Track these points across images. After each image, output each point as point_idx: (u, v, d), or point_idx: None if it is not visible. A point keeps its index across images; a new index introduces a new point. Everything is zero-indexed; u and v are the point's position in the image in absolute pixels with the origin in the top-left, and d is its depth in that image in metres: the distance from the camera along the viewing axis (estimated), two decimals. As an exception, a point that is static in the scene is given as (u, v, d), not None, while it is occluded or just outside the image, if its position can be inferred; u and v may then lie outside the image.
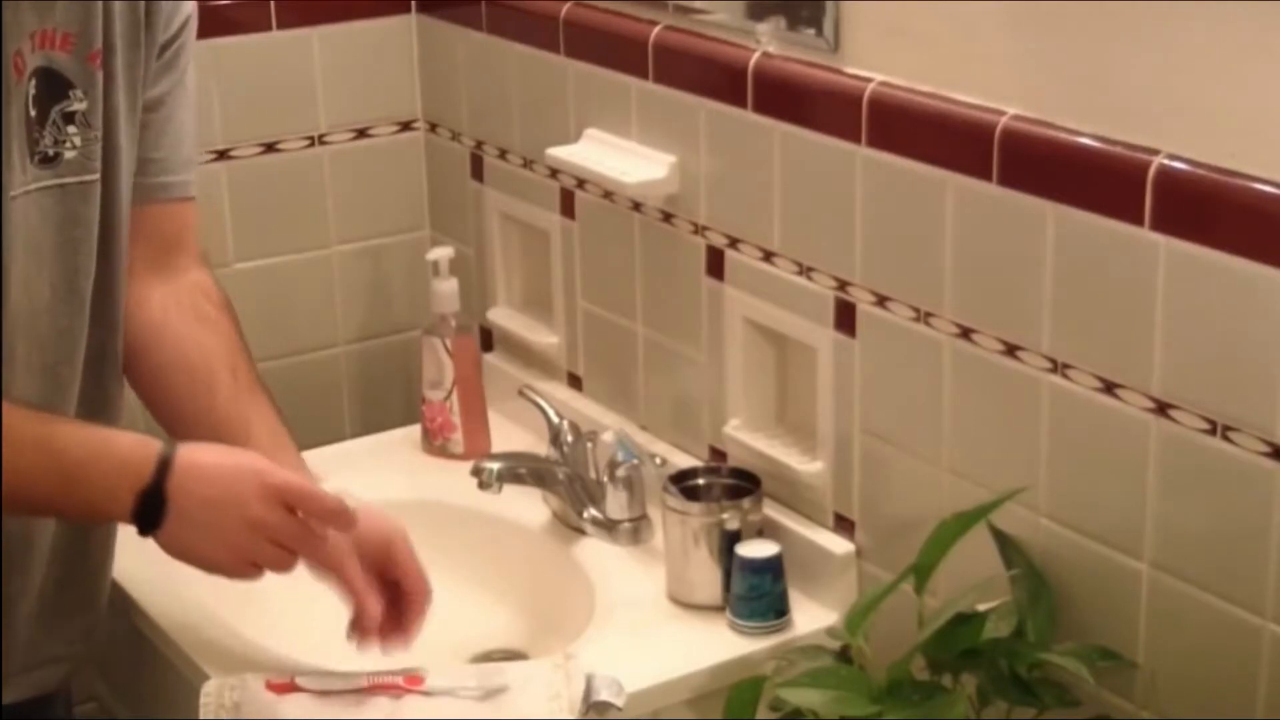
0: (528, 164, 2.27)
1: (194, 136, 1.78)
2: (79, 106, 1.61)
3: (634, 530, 2.05)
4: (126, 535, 1.85)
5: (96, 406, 1.72)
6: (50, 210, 1.62)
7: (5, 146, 1.57)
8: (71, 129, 1.61)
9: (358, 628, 1.68)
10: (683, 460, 2.06)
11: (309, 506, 1.61)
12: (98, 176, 1.64)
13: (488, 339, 2.42)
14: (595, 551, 2.04)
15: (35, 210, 1.61)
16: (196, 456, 1.59)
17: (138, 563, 1.93)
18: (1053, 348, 1.62)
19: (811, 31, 1.82)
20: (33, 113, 1.59)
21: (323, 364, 2.49)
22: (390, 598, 1.70)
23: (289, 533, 1.60)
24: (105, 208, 1.66)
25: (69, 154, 1.62)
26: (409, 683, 1.69)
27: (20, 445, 1.54)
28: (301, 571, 1.66)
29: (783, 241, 1.90)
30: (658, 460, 2.05)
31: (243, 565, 1.62)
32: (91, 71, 1.61)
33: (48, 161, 1.61)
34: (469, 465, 2.07)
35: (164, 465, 1.57)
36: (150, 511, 1.57)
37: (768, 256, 1.91)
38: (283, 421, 1.77)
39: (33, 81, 1.58)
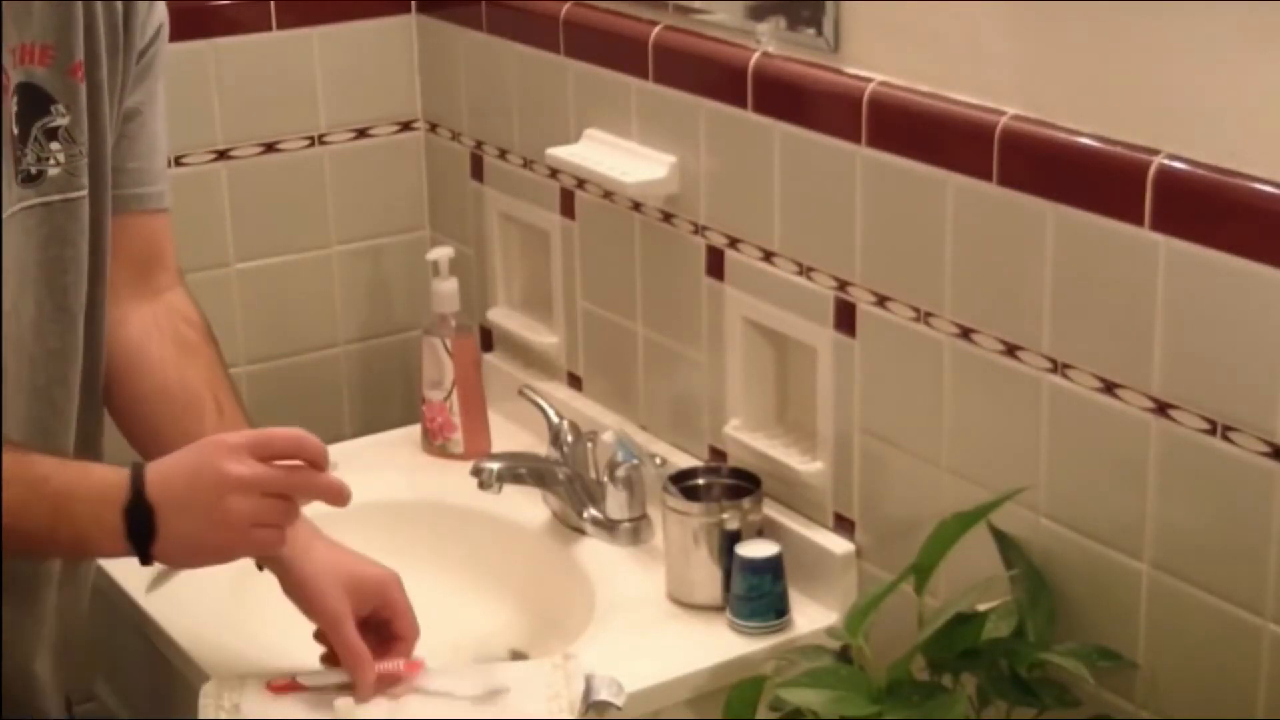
0: (528, 164, 2.27)
1: (166, 147, 1.73)
2: (61, 122, 1.56)
3: (634, 530, 2.05)
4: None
5: (92, 429, 1.69)
6: (34, 229, 1.57)
7: (5, 170, 1.54)
8: (55, 145, 1.56)
9: (358, 690, 1.66)
10: (683, 460, 2.06)
11: (276, 447, 1.56)
12: (84, 193, 1.59)
13: (488, 339, 2.42)
14: (595, 551, 2.04)
15: (19, 230, 1.56)
16: (161, 462, 1.56)
17: (137, 563, 1.93)
18: (1053, 348, 1.62)
19: (811, 31, 1.82)
20: (15, 131, 1.54)
21: (323, 364, 2.49)
22: (377, 638, 1.69)
23: (272, 478, 1.54)
24: (94, 223, 1.62)
25: (52, 171, 1.57)
26: (409, 669, 1.69)
27: (7, 479, 1.49)
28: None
29: (783, 241, 1.90)
30: (658, 460, 2.05)
31: (249, 532, 1.55)
32: (74, 85, 1.57)
33: (31, 180, 1.56)
34: (469, 465, 2.06)
35: (138, 476, 1.53)
36: (140, 522, 1.53)
37: (768, 256, 1.91)
38: None
39: (15, 99, 1.54)
